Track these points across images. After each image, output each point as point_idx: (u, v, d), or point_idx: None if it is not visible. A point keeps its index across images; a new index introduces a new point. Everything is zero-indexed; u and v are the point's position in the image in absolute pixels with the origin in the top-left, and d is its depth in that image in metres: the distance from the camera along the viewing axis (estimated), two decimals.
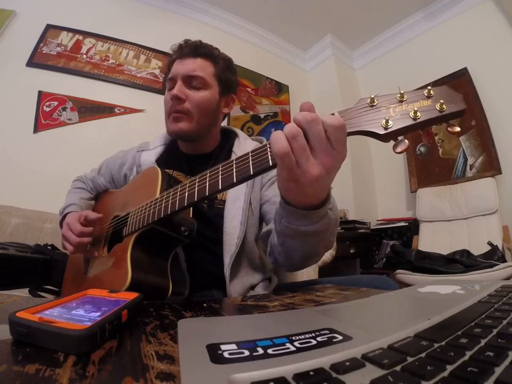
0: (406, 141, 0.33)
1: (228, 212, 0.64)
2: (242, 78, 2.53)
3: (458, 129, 0.32)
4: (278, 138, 0.32)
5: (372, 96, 0.35)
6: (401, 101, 0.34)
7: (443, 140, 2.30)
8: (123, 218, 0.57)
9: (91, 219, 0.60)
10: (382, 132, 0.33)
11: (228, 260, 0.60)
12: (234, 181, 0.38)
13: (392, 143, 0.34)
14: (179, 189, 0.45)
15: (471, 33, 2.28)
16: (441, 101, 0.32)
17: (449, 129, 0.33)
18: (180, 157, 0.72)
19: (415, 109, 0.33)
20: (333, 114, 0.36)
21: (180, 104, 0.64)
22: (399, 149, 0.33)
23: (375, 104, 0.35)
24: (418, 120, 0.32)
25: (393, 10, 2.55)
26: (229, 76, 0.71)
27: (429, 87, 0.34)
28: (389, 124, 0.33)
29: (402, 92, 0.34)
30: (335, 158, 0.34)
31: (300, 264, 0.52)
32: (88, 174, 0.81)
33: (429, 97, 0.33)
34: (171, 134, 0.68)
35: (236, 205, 0.64)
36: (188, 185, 0.45)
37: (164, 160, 0.71)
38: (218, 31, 2.54)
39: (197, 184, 0.43)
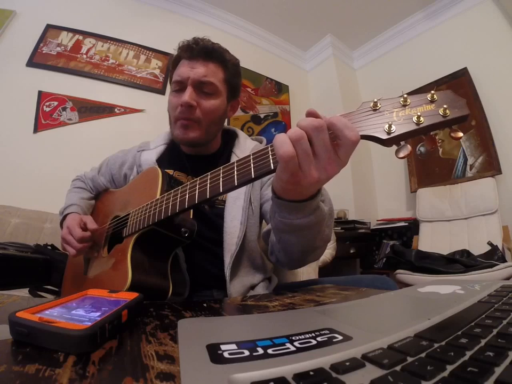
0: (408, 146, 0.33)
1: (228, 211, 0.64)
2: (243, 78, 2.53)
3: (461, 134, 0.32)
4: (283, 142, 0.32)
5: (375, 100, 0.35)
6: (404, 105, 0.33)
7: (443, 139, 2.30)
8: (123, 218, 0.57)
9: (90, 229, 0.59)
10: (385, 136, 0.33)
11: (228, 259, 0.60)
12: (236, 184, 0.38)
13: (394, 147, 0.34)
14: (180, 191, 0.45)
15: (471, 33, 2.28)
16: (445, 106, 0.32)
17: (452, 134, 0.32)
18: (182, 157, 0.71)
19: (419, 113, 0.32)
20: None
21: (191, 112, 0.62)
22: (401, 154, 0.33)
23: (378, 108, 0.34)
24: (421, 125, 0.32)
25: (393, 10, 2.55)
26: (237, 81, 0.70)
27: (433, 92, 0.33)
28: (392, 129, 0.32)
29: (405, 95, 0.34)
30: (338, 166, 0.34)
31: (300, 259, 0.52)
32: (88, 173, 0.80)
33: (432, 101, 0.33)
34: (179, 141, 0.67)
35: (236, 204, 0.64)
36: (188, 187, 0.44)
37: (164, 160, 0.71)
38: (218, 31, 2.54)
39: (197, 186, 0.43)
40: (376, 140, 0.34)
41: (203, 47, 0.64)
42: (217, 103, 0.65)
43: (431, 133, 0.34)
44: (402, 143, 0.33)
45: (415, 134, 0.33)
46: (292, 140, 0.32)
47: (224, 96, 0.67)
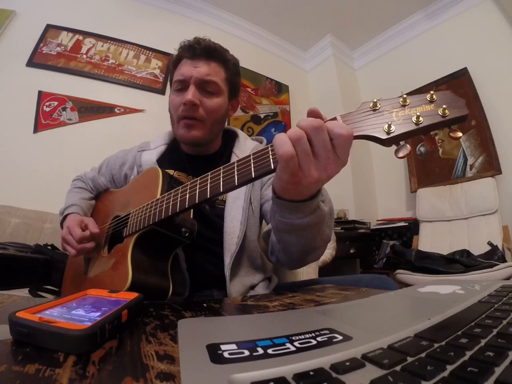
0: (408, 146, 0.33)
1: (228, 211, 0.64)
2: (242, 78, 2.52)
3: (460, 134, 0.32)
4: (284, 142, 0.32)
5: (375, 100, 0.35)
6: (403, 105, 0.34)
7: (443, 139, 2.30)
8: (123, 218, 0.57)
9: (92, 232, 0.59)
10: (384, 136, 0.33)
11: (228, 259, 0.60)
12: (236, 184, 0.38)
13: (394, 147, 0.34)
14: (180, 191, 0.45)
15: (471, 33, 2.28)
16: (444, 106, 0.32)
17: (451, 134, 0.32)
18: (182, 157, 0.71)
19: (418, 113, 0.32)
20: (335, 118, 0.36)
21: (194, 110, 0.62)
22: (401, 154, 0.33)
23: (377, 108, 0.35)
24: (420, 125, 0.32)
25: (393, 10, 2.55)
26: (237, 80, 0.71)
27: (432, 92, 0.33)
28: (391, 129, 0.33)
29: (405, 96, 0.34)
30: (338, 165, 0.34)
31: (300, 259, 0.52)
32: (88, 173, 0.80)
33: (431, 101, 0.33)
34: (183, 140, 0.67)
35: (236, 204, 0.64)
36: (189, 187, 0.44)
37: (165, 160, 0.71)
38: (218, 31, 2.54)
39: (198, 186, 0.43)
40: (376, 140, 0.34)
41: (205, 46, 0.64)
42: (220, 102, 0.65)
43: (431, 133, 0.34)
44: (401, 143, 0.33)
45: (414, 134, 0.33)
46: (292, 139, 0.32)
47: (226, 95, 0.67)
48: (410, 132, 0.32)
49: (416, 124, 0.32)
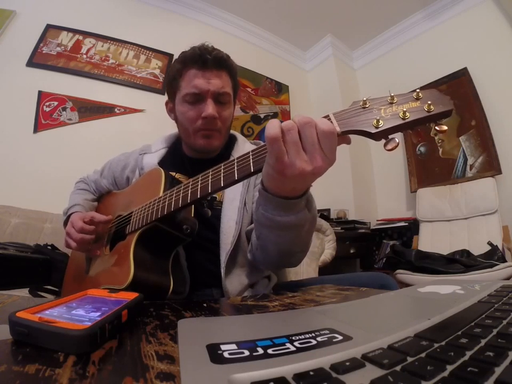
0: (396, 139, 0.35)
1: (224, 212, 0.65)
2: (242, 78, 2.53)
3: (445, 127, 0.34)
4: (273, 126, 0.34)
5: (364, 99, 0.37)
6: (391, 103, 0.36)
7: (443, 139, 2.30)
8: (126, 217, 0.57)
9: (98, 220, 0.59)
10: (373, 130, 0.35)
11: (223, 258, 0.61)
12: (236, 178, 0.40)
13: (383, 141, 0.36)
14: (182, 187, 0.47)
15: (471, 33, 2.28)
16: (429, 102, 0.34)
17: (437, 128, 0.34)
18: (183, 159, 0.72)
19: (404, 109, 0.34)
20: (327, 116, 0.38)
21: (214, 123, 0.64)
22: (389, 147, 0.35)
23: (367, 106, 0.37)
24: (407, 120, 0.34)
25: (393, 10, 2.54)
26: (238, 85, 0.73)
27: (418, 90, 0.35)
28: (379, 124, 0.35)
29: (392, 94, 0.36)
30: (324, 162, 0.35)
31: (275, 261, 0.54)
32: (91, 176, 0.81)
33: (417, 99, 0.35)
34: (202, 150, 0.68)
35: (232, 205, 0.65)
36: (190, 183, 0.46)
37: (166, 163, 0.72)
38: (218, 31, 2.54)
39: (200, 182, 0.44)
40: (366, 134, 0.36)
41: (216, 57, 0.63)
42: (231, 110, 0.69)
43: (430, 133, 0.35)
44: (390, 136, 0.35)
45: (401, 128, 0.35)
46: (283, 128, 0.35)
47: (233, 102, 0.70)
48: (398, 126, 0.34)
49: (403, 118, 0.34)
